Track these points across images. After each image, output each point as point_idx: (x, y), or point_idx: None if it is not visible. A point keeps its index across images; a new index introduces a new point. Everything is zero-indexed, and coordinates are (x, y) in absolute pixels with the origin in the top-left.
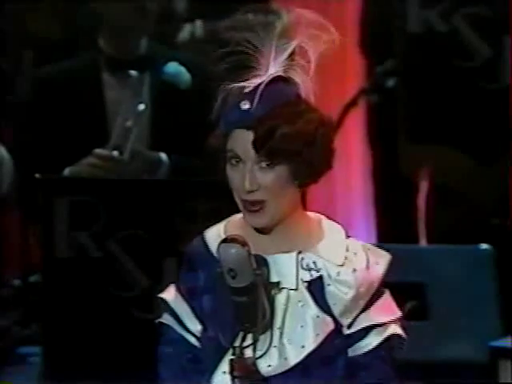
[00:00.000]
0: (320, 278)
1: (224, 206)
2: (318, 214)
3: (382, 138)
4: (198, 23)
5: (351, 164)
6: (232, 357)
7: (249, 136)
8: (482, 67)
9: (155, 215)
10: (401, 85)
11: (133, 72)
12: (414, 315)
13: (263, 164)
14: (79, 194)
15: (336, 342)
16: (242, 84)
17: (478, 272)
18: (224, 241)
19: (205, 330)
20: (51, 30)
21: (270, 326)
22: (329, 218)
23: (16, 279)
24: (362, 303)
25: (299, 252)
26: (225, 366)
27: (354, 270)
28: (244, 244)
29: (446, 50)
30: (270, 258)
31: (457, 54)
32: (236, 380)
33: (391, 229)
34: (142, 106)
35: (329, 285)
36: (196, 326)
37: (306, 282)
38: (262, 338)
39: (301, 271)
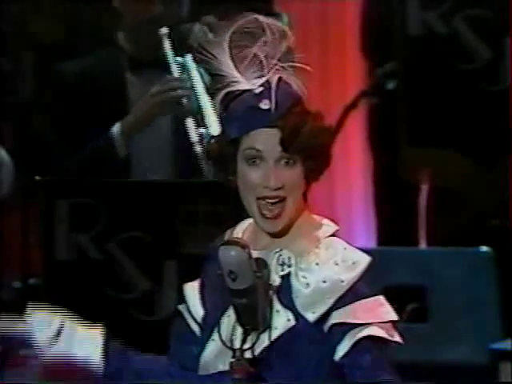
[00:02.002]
0: (289, 273)
1: (225, 208)
2: (318, 218)
3: (383, 140)
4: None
5: (351, 166)
6: (232, 359)
7: (272, 134)
8: (483, 69)
9: (156, 217)
10: (401, 87)
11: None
12: (415, 317)
13: (283, 162)
14: (79, 196)
15: (302, 339)
16: (244, 87)
17: (477, 274)
18: (224, 243)
19: (205, 317)
20: (52, 30)
21: (267, 328)
22: (326, 216)
23: (16, 281)
24: (331, 300)
25: (280, 249)
26: (215, 335)
27: (317, 264)
28: (244, 246)
29: (446, 51)
30: (255, 253)
31: (457, 56)
32: (236, 382)
33: (391, 231)
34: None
35: (294, 279)
36: (198, 311)
37: (280, 277)
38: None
39: (275, 266)
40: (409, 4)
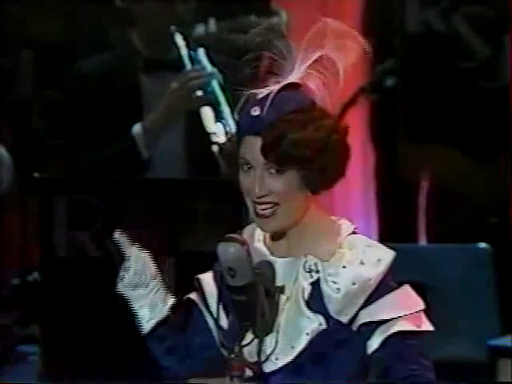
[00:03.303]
0: (319, 279)
1: (224, 207)
2: (333, 217)
3: (382, 137)
4: (212, 22)
5: (350, 163)
6: (231, 355)
7: (258, 142)
8: (481, 66)
9: (155, 215)
10: (400, 84)
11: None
12: None
13: (272, 170)
14: (78, 194)
15: (335, 341)
16: (260, 90)
17: (476, 271)
18: (223, 240)
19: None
20: (52, 30)
21: (271, 327)
22: (343, 217)
23: (15, 278)
24: (361, 300)
25: (305, 255)
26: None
27: (344, 267)
28: (243, 243)
29: (444, 49)
30: (277, 261)
31: (456, 54)
32: (235, 379)
33: (391, 228)
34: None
35: (324, 285)
36: (214, 305)
37: (310, 284)
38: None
39: (303, 274)
40: (408, 2)
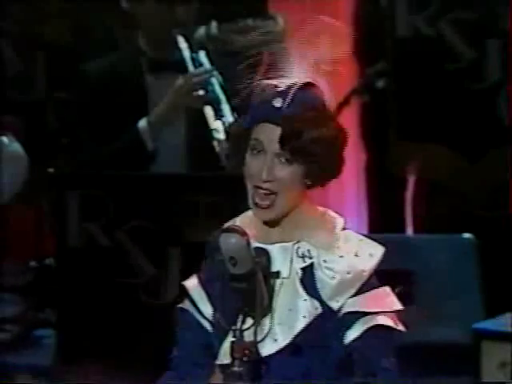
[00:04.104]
0: (312, 264)
1: (224, 200)
2: (324, 208)
3: (373, 135)
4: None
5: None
6: (233, 339)
7: (276, 131)
8: (467, 68)
9: (160, 208)
10: (390, 85)
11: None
12: (402, 300)
13: (283, 159)
14: (90, 188)
15: (326, 326)
16: (272, 82)
17: (462, 260)
18: (224, 231)
19: (214, 313)
20: (63, 33)
21: (269, 311)
22: (334, 211)
23: (31, 267)
24: (352, 290)
25: (297, 242)
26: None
27: (341, 257)
28: (243, 234)
29: (432, 52)
30: (270, 248)
31: (443, 56)
32: (236, 361)
33: (381, 219)
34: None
35: (318, 270)
36: (209, 310)
37: (301, 268)
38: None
39: (296, 259)
40: (397, 8)
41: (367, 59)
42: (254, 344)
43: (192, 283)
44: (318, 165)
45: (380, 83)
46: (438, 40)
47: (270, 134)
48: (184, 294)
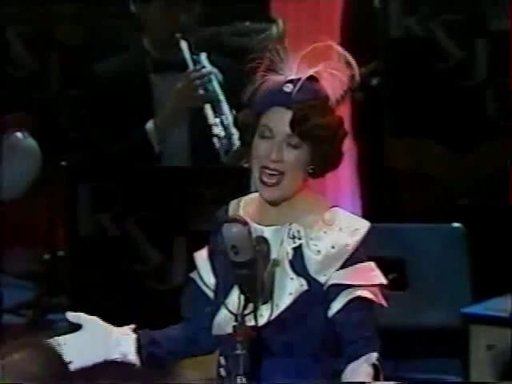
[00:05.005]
0: (301, 245)
1: (228, 191)
2: (320, 195)
3: (367, 130)
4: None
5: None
6: (234, 323)
7: (286, 114)
8: (456, 67)
9: (167, 199)
10: (383, 83)
11: None
12: (395, 286)
13: (292, 142)
14: (100, 181)
15: (312, 301)
16: (278, 76)
17: (451, 247)
18: (227, 221)
19: (217, 284)
20: (74, 34)
21: (269, 298)
22: (324, 196)
23: (46, 254)
24: (338, 263)
25: (290, 224)
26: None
27: (325, 232)
28: (245, 223)
29: (423, 52)
30: (265, 229)
31: (433, 56)
32: (238, 344)
33: (374, 210)
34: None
35: (306, 249)
36: (210, 279)
37: (292, 249)
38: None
39: (287, 240)
40: (390, 10)
41: (362, 59)
42: (255, 328)
43: (200, 255)
44: (322, 151)
45: (374, 81)
46: (429, 40)
47: (280, 118)
48: (194, 265)
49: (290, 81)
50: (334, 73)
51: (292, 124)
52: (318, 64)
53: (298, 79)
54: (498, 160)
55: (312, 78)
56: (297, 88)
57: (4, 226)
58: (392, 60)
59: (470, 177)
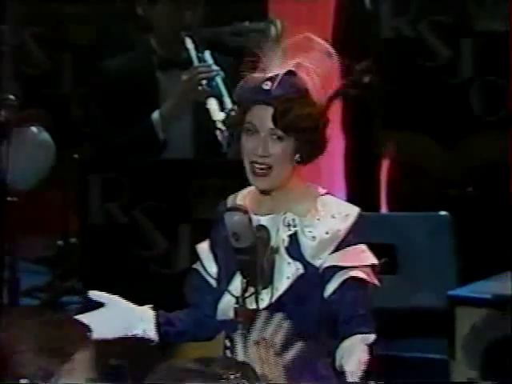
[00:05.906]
0: (296, 232)
1: (230, 183)
2: (310, 183)
3: (360, 124)
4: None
5: (333, 146)
6: (236, 305)
7: (267, 111)
8: (443, 66)
9: (172, 189)
10: (375, 81)
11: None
12: (386, 271)
13: (275, 136)
14: (110, 172)
15: (308, 284)
16: (260, 74)
17: (438, 234)
18: (228, 209)
19: (220, 272)
20: (84, 35)
21: (269, 282)
22: (318, 185)
23: (59, 242)
24: (331, 247)
25: (284, 212)
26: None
27: (318, 219)
28: (245, 212)
29: (413, 51)
30: (262, 218)
31: (422, 55)
32: (239, 325)
33: (366, 199)
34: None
35: (301, 236)
36: (213, 268)
37: (287, 236)
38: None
39: (282, 228)
40: (381, 11)
41: (355, 57)
42: (256, 310)
43: (202, 247)
44: (306, 140)
45: (366, 79)
46: (418, 40)
47: (262, 115)
48: (197, 256)
49: (269, 78)
50: (312, 64)
51: (274, 119)
52: (298, 57)
53: (277, 75)
54: (482, 152)
55: (291, 73)
56: (275, 84)
57: (20, 215)
58: (383, 59)
59: (457, 168)
